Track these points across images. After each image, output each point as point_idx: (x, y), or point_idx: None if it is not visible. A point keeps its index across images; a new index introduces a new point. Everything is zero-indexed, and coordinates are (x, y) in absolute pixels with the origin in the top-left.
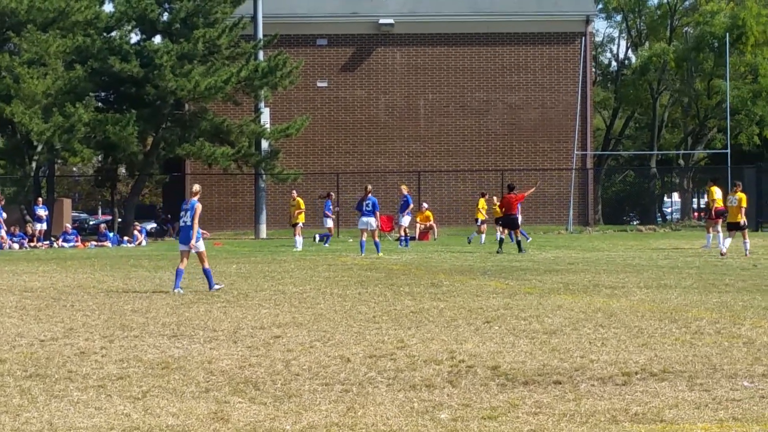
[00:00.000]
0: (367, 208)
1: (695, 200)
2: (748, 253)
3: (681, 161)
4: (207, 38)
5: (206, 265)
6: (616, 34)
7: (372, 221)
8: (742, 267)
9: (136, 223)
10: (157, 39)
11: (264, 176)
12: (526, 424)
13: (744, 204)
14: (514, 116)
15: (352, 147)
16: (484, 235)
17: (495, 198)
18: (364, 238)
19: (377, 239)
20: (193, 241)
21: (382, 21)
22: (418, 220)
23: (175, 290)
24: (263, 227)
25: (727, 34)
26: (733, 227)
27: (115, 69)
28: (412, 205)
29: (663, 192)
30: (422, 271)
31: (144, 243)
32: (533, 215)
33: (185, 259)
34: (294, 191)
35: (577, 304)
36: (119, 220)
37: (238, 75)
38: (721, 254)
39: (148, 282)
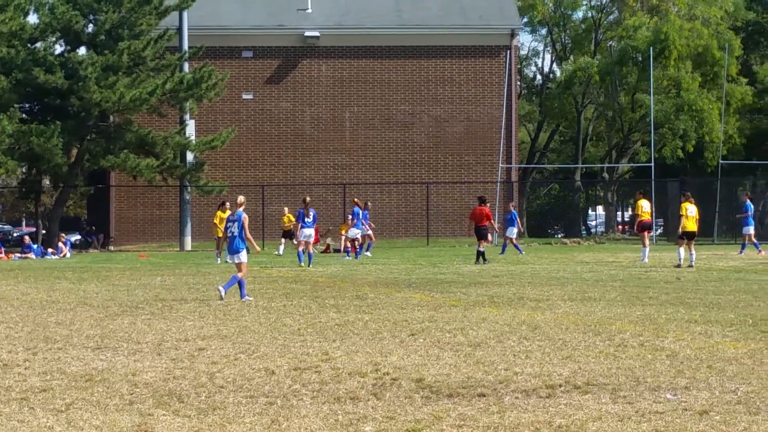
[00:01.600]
0: (308, 220)
1: (619, 213)
2: (692, 263)
3: (605, 174)
4: (132, 50)
5: (241, 276)
6: (540, 47)
7: (312, 233)
8: (666, 280)
9: (61, 234)
10: (82, 50)
11: (189, 188)
12: None
13: (698, 215)
14: (439, 129)
15: (277, 159)
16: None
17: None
18: (301, 249)
19: (311, 251)
20: (242, 253)
21: (307, 33)
22: (343, 232)
23: (243, 299)
24: (188, 239)
25: (651, 48)
26: (690, 236)
27: (39, 80)
28: (357, 220)
29: (587, 205)
30: (347, 284)
31: (68, 255)
32: (459, 228)
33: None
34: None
35: (501, 317)
36: (43, 231)
37: (163, 87)
38: (676, 266)
39: (72, 294)
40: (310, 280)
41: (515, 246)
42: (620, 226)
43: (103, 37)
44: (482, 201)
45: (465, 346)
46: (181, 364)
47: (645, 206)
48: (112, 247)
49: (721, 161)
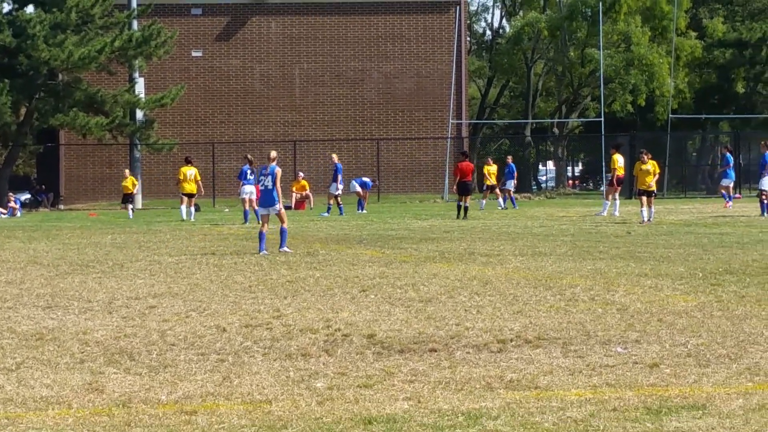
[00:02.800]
0: (251, 178)
1: (570, 168)
2: (652, 219)
3: (555, 130)
4: (80, 8)
5: (285, 226)
6: (490, 3)
7: (254, 190)
8: (616, 234)
9: (10, 194)
10: (30, 9)
11: (139, 146)
12: (402, 392)
13: (657, 170)
14: (389, 85)
15: (227, 117)
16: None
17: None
18: (247, 207)
19: (256, 208)
20: (278, 205)
21: None
22: (293, 189)
23: (261, 252)
24: (139, 198)
25: (600, 2)
26: (647, 194)
27: None
28: (340, 175)
29: (538, 160)
30: (298, 241)
31: (19, 214)
32: (409, 184)
33: (266, 223)
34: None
35: (452, 273)
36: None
37: (112, 45)
38: (641, 222)
39: (22, 253)
40: None
41: (511, 199)
42: (570, 181)
43: None
44: (466, 155)
45: (416, 301)
46: (132, 322)
47: (620, 161)
48: (62, 206)
49: (670, 116)
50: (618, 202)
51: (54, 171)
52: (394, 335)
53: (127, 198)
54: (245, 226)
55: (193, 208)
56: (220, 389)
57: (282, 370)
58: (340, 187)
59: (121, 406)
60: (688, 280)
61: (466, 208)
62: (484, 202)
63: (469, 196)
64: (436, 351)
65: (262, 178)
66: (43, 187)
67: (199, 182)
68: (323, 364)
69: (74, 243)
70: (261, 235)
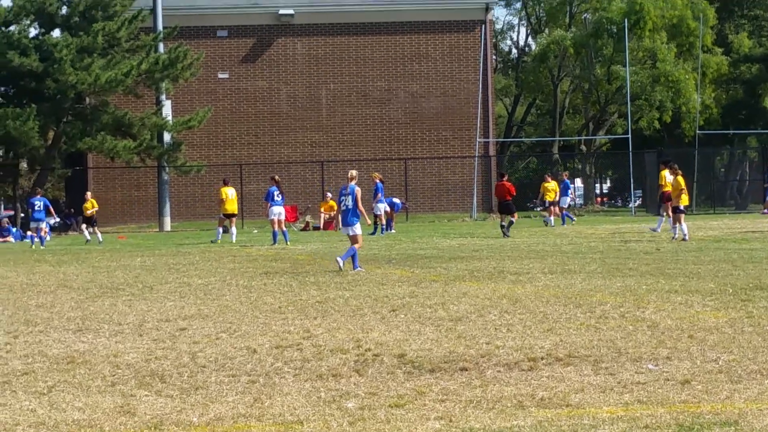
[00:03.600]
0: (278, 199)
1: (598, 185)
2: (686, 237)
3: (583, 147)
4: (106, 31)
5: (356, 247)
6: (515, 21)
7: (283, 211)
8: (645, 251)
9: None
10: (56, 33)
11: (167, 168)
12: (433, 411)
13: (683, 186)
14: (416, 105)
15: (254, 138)
16: (553, 218)
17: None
18: (276, 228)
19: (285, 229)
20: (356, 225)
21: (282, 11)
22: (322, 210)
23: (355, 269)
24: (167, 220)
25: (625, 19)
26: (676, 210)
27: (14, 63)
28: (380, 194)
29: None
30: (328, 261)
31: (48, 238)
32: (437, 203)
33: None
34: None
35: (482, 291)
36: (22, 215)
37: (138, 68)
38: (683, 239)
39: (52, 277)
40: (290, 258)
41: (563, 216)
42: (599, 198)
43: (77, 18)
44: (502, 176)
45: (446, 320)
46: (163, 344)
47: (667, 177)
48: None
49: (698, 131)
50: (663, 218)
51: (83, 194)
52: (425, 354)
53: (88, 220)
54: (274, 248)
55: (234, 228)
56: (252, 410)
57: (313, 390)
58: (379, 206)
59: (152, 428)
60: (718, 296)
61: (510, 224)
62: (552, 219)
63: (509, 216)
64: (467, 370)
65: (343, 198)
66: (72, 210)
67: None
68: (354, 384)
69: (104, 266)
70: (352, 252)
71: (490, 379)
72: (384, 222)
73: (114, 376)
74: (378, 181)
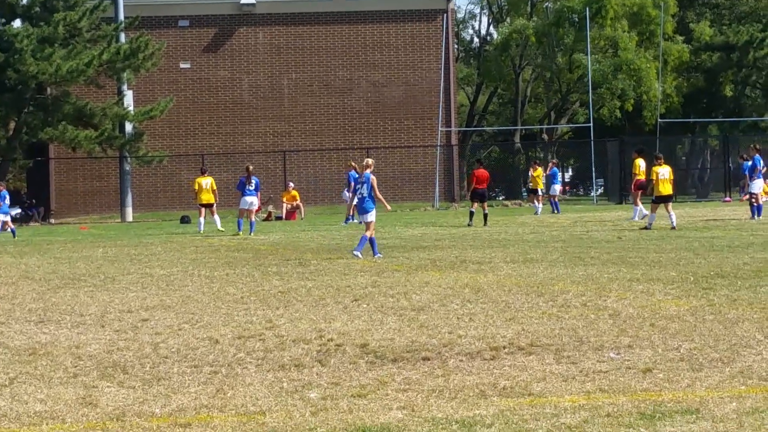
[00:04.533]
0: (250, 188)
1: (559, 174)
2: (675, 225)
3: (545, 136)
4: (67, 21)
5: (369, 235)
6: (477, 10)
7: (255, 201)
8: (607, 240)
9: None
10: (17, 23)
11: (129, 159)
12: (396, 401)
13: (671, 176)
14: (378, 94)
15: (216, 128)
16: (541, 205)
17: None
18: (242, 217)
19: (253, 219)
20: (372, 213)
21: (243, 1)
22: (284, 200)
23: (375, 256)
24: (129, 210)
25: (587, 8)
26: (666, 199)
27: None
28: (354, 183)
29: (527, 167)
30: (290, 251)
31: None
32: (399, 192)
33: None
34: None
35: (444, 280)
36: None
37: (99, 58)
38: (645, 228)
39: (14, 268)
40: (253, 248)
41: (553, 204)
42: (560, 188)
43: (38, 9)
44: (481, 162)
45: (408, 310)
46: (125, 335)
47: (642, 165)
48: (52, 220)
49: (659, 120)
50: (641, 207)
51: (44, 185)
52: (387, 344)
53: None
54: (237, 236)
55: (217, 216)
56: (214, 401)
57: (275, 381)
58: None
59: (115, 419)
60: (679, 285)
61: (485, 215)
62: (540, 206)
63: (485, 203)
64: (429, 359)
65: (359, 186)
66: (34, 201)
67: (215, 191)
68: (316, 374)
69: (65, 257)
70: (371, 240)
71: (453, 368)
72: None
73: (76, 367)
74: (352, 170)
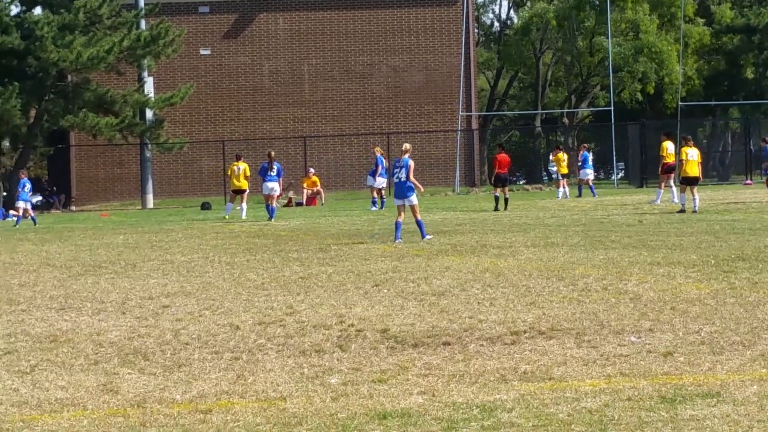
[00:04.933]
0: (272, 174)
1: (591, 158)
2: (697, 208)
3: (565, 120)
4: (88, 8)
5: (419, 217)
6: None
7: (276, 186)
8: (628, 223)
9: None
10: (38, 10)
11: (149, 146)
12: (416, 386)
13: (699, 159)
14: (398, 79)
15: (237, 114)
16: (564, 189)
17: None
18: (272, 204)
19: (274, 205)
20: (413, 197)
21: None
22: (305, 185)
23: (396, 241)
24: (150, 197)
25: None
26: (691, 182)
27: None
28: (381, 167)
29: (548, 151)
30: (310, 237)
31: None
32: (419, 177)
33: (402, 213)
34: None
35: (464, 265)
36: (4, 194)
37: (120, 45)
38: (680, 211)
39: (35, 255)
40: (273, 234)
41: (590, 188)
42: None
43: None
44: (502, 147)
45: (429, 295)
46: (146, 322)
47: (669, 148)
48: (73, 207)
49: (680, 103)
50: (674, 189)
51: (65, 172)
52: (408, 329)
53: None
54: (270, 223)
55: (245, 205)
56: (235, 387)
57: (296, 366)
58: (380, 179)
59: (136, 406)
60: (700, 268)
61: (506, 200)
62: (561, 191)
63: (507, 188)
64: (449, 344)
65: (396, 170)
66: (55, 188)
67: (248, 177)
68: (337, 360)
69: (86, 244)
70: (397, 224)
71: (473, 353)
72: (376, 196)
73: (97, 354)
74: (379, 155)
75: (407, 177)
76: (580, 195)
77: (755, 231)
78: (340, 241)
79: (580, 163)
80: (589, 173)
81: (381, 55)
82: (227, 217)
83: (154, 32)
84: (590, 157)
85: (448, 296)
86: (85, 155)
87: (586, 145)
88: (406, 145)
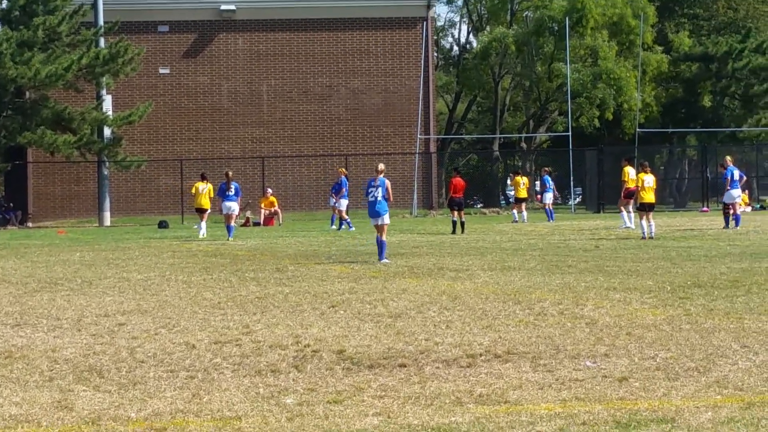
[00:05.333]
0: (230, 194)
1: (537, 183)
2: (653, 234)
3: (523, 144)
4: (47, 25)
5: (385, 238)
6: (457, 18)
7: (235, 206)
8: (585, 248)
9: None
10: None
11: (107, 163)
12: (372, 408)
13: (655, 185)
14: (357, 101)
15: (195, 133)
16: (523, 213)
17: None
18: (230, 223)
19: (232, 224)
20: (386, 215)
21: (223, 7)
22: (262, 206)
23: (381, 261)
24: (107, 215)
25: (567, 17)
26: (648, 208)
27: None
28: (345, 189)
29: (506, 175)
30: (267, 257)
31: None
32: None
33: (378, 233)
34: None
35: (421, 288)
36: None
37: (79, 62)
38: (642, 237)
39: None
40: (230, 253)
41: (548, 212)
42: (538, 196)
43: (17, 12)
44: (458, 171)
45: (385, 317)
46: (101, 339)
47: (631, 173)
48: (30, 224)
49: (638, 129)
50: (632, 215)
51: (22, 189)
52: (364, 351)
53: None
54: (228, 242)
55: (204, 224)
56: (190, 406)
57: (252, 386)
58: (343, 201)
59: (90, 423)
60: (656, 294)
61: (462, 223)
62: (524, 214)
63: (462, 211)
64: (405, 366)
65: (372, 189)
66: (11, 204)
67: (212, 198)
68: (293, 380)
69: (43, 260)
70: (380, 242)
71: (429, 375)
72: (347, 217)
73: (52, 371)
74: (343, 176)
75: (384, 196)
76: (551, 219)
77: (711, 258)
78: (297, 262)
79: (538, 188)
80: (549, 197)
81: (340, 77)
82: (202, 236)
83: (113, 50)
84: (551, 180)
85: (405, 318)
86: (42, 172)
87: (546, 168)
88: (381, 166)
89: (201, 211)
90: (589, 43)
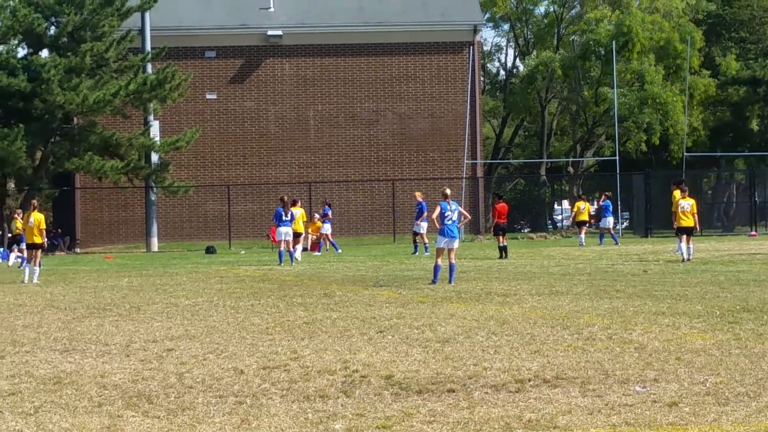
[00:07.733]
0: (286, 219)
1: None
2: (691, 257)
3: (570, 169)
4: (95, 52)
5: (455, 261)
6: (503, 43)
7: (290, 231)
8: (633, 273)
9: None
10: (45, 53)
11: (154, 189)
12: None
13: (695, 209)
14: (404, 126)
15: (242, 159)
16: (583, 236)
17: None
18: (282, 248)
19: (292, 250)
20: (457, 240)
21: (270, 33)
22: (309, 231)
23: (451, 284)
24: (155, 240)
25: (613, 41)
26: (686, 231)
27: (2, 84)
28: (426, 213)
29: (553, 199)
30: (315, 282)
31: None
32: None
33: (441, 256)
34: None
35: (469, 313)
36: (9, 235)
37: (126, 88)
38: (684, 260)
39: (39, 297)
40: (278, 279)
41: (612, 236)
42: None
43: (65, 39)
44: (500, 197)
45: (433, 342)
46: (150, 365)
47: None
48: (78, 250)
49: (685, 153)
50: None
51: (70, 214)
52: (412, 376)
53: (15, 240)
54: (279, 267)
55: (299, 247)
56: None
57: (300, 411)
58: (422, 224)
59: None
60: (705, 318)
61: (505, 248)
62: (582, 237)
63: (505, 236)
64: (454, 391)
65: (449, 213)
66: (59, 230)
67: (305, 222)
68: (341, 405)
69: (91, 286)
70: (436, 268)
71: (478, 400)
72: (426, 241)
73: (101, 396)
74: (421, 200)
75: (458, 219)
76: (601, 243)
77: (760, 282)
78: (344, 287)
79: (595, 212)
80: (610, 221)
81: (387, 101)
82: (295, 261)
83: (160, 76)
84: (611, 205)
85: (453, 343)
86: (90, 197)
87: (607, 193)
88: (448, 190)
89: (296, 235)
90: (635, 67)
